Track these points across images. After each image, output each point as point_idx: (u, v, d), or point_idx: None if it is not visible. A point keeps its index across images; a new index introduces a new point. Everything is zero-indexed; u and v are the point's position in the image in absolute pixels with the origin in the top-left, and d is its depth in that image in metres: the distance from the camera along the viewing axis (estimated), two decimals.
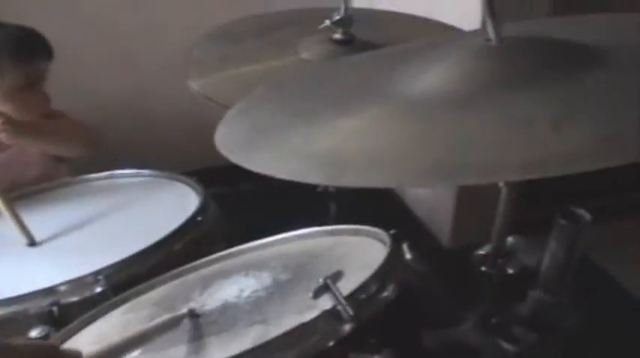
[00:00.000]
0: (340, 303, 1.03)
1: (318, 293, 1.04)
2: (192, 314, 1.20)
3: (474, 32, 1.22)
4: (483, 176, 0.80)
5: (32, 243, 1.61)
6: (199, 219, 1.57)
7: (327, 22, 1.58)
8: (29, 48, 1.88)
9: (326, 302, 1.05)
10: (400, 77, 1.04)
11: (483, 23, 0.99)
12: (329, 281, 1.03)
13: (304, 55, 1.60)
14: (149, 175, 1.80)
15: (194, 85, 1.52)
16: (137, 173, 1.81)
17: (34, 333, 1.42)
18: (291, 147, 0.97)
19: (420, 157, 0.87)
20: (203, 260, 1.45)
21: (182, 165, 1.85)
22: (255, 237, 1.47)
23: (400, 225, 1.31)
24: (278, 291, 1.22)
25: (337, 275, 1.05)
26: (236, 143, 1.05)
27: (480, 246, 1.30)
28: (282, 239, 1.44)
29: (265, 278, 1.28)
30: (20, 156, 1.93)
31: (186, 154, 2.34)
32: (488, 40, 0.99)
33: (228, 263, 1.44)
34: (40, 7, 2.39)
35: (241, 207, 1.80)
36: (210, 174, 1.73)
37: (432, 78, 1.01)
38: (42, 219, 1.71)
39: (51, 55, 1.90)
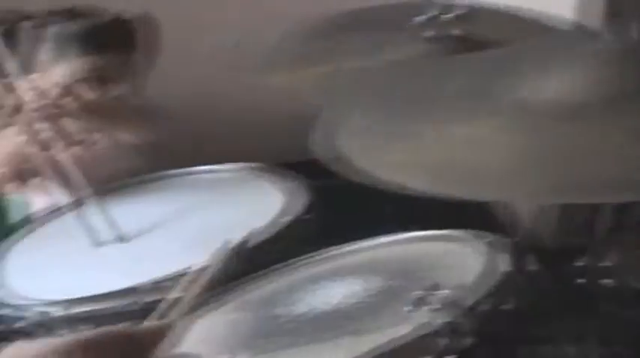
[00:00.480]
0: (439, 317, 0.98)
1: (416, 305, 0.99)
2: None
3: (590, 33, 1.16)
4: (612, 194, 0.75)
5: (121, 238, 1.59)
6: (296, 219, 1.51)
7: (421, 19, 1.51)
8: (99, 37, 1.83)
9: (422, 315, 1.01)
10: (514, 83, 0.99)
11: (604, 24, 0.94)
12: (428, 293, 0.99)
13: (395, 54, 1.54)
14: (245, 169, 1.75)
15: (280, 78, 1.49)
16: (233, 168, 1.77)
17: None
18: (397, 155, 0.93)
19: (538, 173, 0.82)
20: (289, 263, 1.42)
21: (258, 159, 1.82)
22: (338, 238, 1.44)
23: (487, 228, 1.27)
24: (369, 300, 1.18)
25: (435, 287, 1.01)
26: (331, 150, 1.01)
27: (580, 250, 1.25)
28: (371, 245, 1.40)
29: (356, 285, 1.24)
30: (99, 150, 1.90)
31: (264, 148, 2.31)
32: (615, 42, 0.93)
33: (316, 268, 1.40)
34: None
35: (325, 207, 1.77)
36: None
37: (551, 85, 0.95)
38: (135, 213, 1.69)
39: (125, 50, 1.85)
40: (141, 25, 1.90)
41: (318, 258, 1.42)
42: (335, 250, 1.43)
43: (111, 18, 1.89)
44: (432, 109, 1.05)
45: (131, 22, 1.90)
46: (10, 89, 1.86)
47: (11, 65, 1.86)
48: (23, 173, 1.83)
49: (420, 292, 1.00)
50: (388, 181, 0.90)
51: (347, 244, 1.42)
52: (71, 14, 1.87)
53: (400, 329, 1.03)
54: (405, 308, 1.01)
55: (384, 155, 0.98)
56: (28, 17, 1.89)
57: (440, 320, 0.99)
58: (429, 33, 1.55)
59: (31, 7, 1.90)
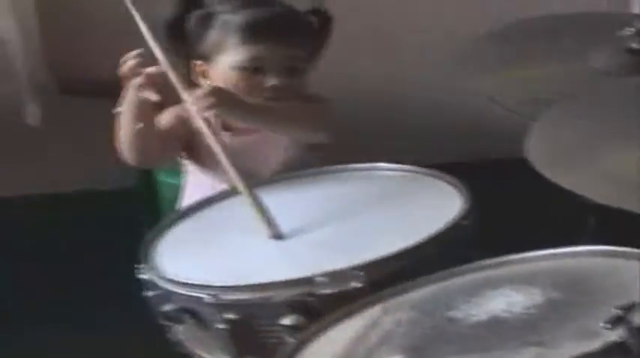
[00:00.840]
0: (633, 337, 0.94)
1: (613, 324, 0.96)
2: None
3: None
4: None
5: (278, 236, 1.59)
6: (464, 222, 1.51)
7: (629, 31, 1.47)
8: (259, 29, 1.83)
9: (611, 333, 0.98)
10: None
11: None
12: (626, 312, 0.95)
13: (595, 65, 1.50)
14: (411, 171, 1.75)
15: (472, 82, 1.47)
16: (399, 167, 1.76)
17: (286, 321, 1.42)
18: (602, 168, 0.90)
19: None
20: (465, 266, 1.39)
21: (431, 158, 1.80)
22: (507, 245, 1.41)
23: None
24: (552, 312, 1.14)
25: (632, 306, 0.97)
26: (546, 157, 0.99)
27: None
28: (551, 254, 1.36)
29: (536, 295, 1.20)
30: (264, 141, 1.89)
31: (437, 147, 2.29)
32: None
33: (492, 273, 1.37)
34: None
35: (494, 210, 1.73)
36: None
37: None
38: (294, 208, 1.70)
39: (286, 38, 1.84)
40: (320, 19, 1.91)
41: (494, 262, 1.38)
42: (511, 256, 1.39)
43: (307, 9, 1.90)
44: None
45: (326, 14, 1.90)
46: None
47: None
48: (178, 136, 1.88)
49: (618, 310, 0.97)
50: (598, 194, 0.86)
51: (525, 252, 1.38)
52: (243, 3, 1.88)
53: (585, 343, 1.00)
54: (601, 325, 0.98)
55: (590, 164, 0.94)
56: (197, 4, 1.91)
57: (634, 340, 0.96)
58: (635, 45, 1.51)
59: None
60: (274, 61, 1.82)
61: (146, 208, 2.39)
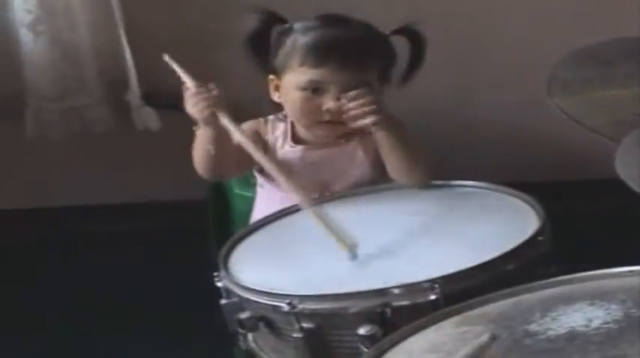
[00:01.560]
0: None
1: None
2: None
3: None
4: None
5: (353, 255, 1.59)
6: (539, 239, 1.52)
7: None
8: (319, 53, 1.83)
9: None
10: None
11: None
12: None
13: None
14: (486, 188, 1.77)
15: (555, 101, 1.48)
16: (473, 184, 1.78)
17: (362, 331, 1.44)
18: None
19: None
20: (540, 282, 1.40)
21: (504, 177, 1.81)
22: (582, 261, 1.41)
23: None
24: (632, 327, 1.15)
25: None
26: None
27: None
28: (628, 271, 1.36)
29: (615, 311, 1.21)
30: (341, 155, 1.91)
31: (513, 166, 2.31)
32: None
33: (568, 288, 1.37)
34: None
35: (570, 228, 1.74)
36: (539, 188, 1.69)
37: None
38: (369, 221, 1.73)
39: (349, 65, 1.82)
40: (411, 38, 1.91)
41: (570, 278, 1.39)
42: (587, 272, 1.40)
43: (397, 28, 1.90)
44: None
45: (417, 34, 1.90)
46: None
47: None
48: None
49: None
50: None
51: (603, 268, 1.38)
52: (320, 22, 1.89)
53: None
54: None
55: None
56: (280, 19, 1.94)
57: None
58: None
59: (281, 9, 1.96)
60: (333, 84, 1.82)
61: (217, 220, 2.42)
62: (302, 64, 1.84)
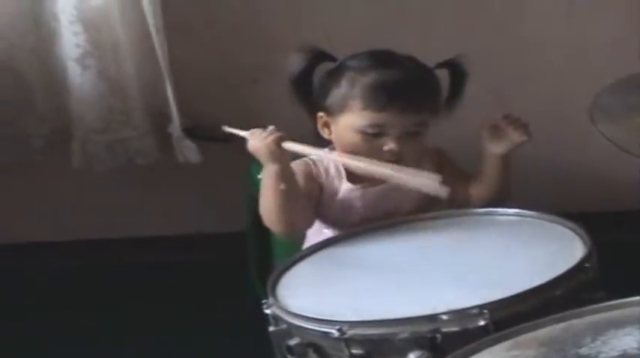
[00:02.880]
0: None
1: None
2: None
3: None
4: None
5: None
6: (586, 265, 1.54)
7: None
8: (383, 97, 1.84)
9: None
10: None
11: None
12: None
13: None
14: (530, 216, 1.79)
15: (600, 128, 1.50)
16: (518, 212, 1.81)
17: (412, 356, 1.46)
18: None
19: None
20: (590, 307, 1.42)
21: (544, 209, 1.83)
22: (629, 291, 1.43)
23: None
24: None
25: None
26: None
27: None
28: None
29: None
30: (396, 191, 1.91)
31: (558, 195, 2.32)
32: None
33: (617, 313, 1.39)
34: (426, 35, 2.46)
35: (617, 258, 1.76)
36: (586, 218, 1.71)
37: None
38: (417, 249, 1.76)
39: (411, 109, 1.85)
40: (453, 72, 1.94)
41: (619, 303, 1.40)
42: (636, 297, 1.41)
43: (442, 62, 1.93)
44: None
45: (461, 68, 1.94)
46: None
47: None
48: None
49: None
50: None
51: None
52: (374, 62, 1.90)
53: None
54: None
55: None
56: (328, 57, 1.96)
57: None
58: None
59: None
60: (396, 127, 1.85)
61: (258, 252, 2.44)
62: (364, 108, 1.85)
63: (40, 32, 2.57)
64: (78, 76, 2.54)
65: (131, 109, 2.60)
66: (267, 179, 1.83)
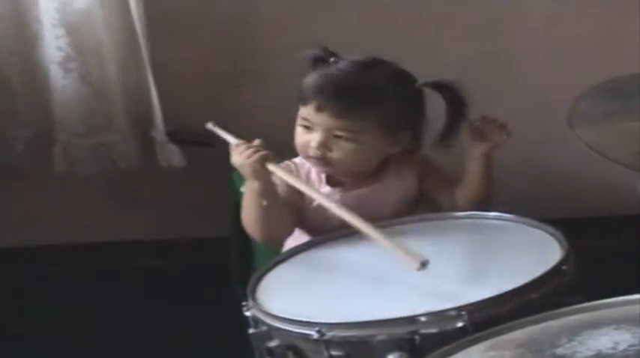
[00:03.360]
0: None
1: None
2: None
3: None
4: None
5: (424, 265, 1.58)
6: (563, 268, 1.56)
7: None
8: (310, 91, 1.87)
9: None
10: None
11: None
12: None
13: None
14: (510, 219, 1.80)
15: (578, 133, 1.52)
16: (497, 216, 1.82)
17: (391, 357, 1.47)
18: None
19: None
20: (566, 308, 1.43)
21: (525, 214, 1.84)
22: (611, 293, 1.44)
23: None
24: None
25: None
26: None
27: None
28: None
29: None
30: (377, 193, 1.94)
31: (539, 202, 2.34)
32: None
33: (593, 314, 1.40)
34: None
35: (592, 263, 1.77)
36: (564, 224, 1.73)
37: None
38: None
39: (331, 110, 1.85)
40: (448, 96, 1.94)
41: (594, 304, 1.42)
42: (611, 299, 1.43)
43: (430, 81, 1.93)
44: None
45: (454, 93, 1.93)
46: None
47: None
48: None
49: None
50: None
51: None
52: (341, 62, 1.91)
53: None
54: None
55: None
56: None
57: None
58: None
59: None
60: (320, 125, 1.86)
61: (240, 256, 2.44)
62: (299, 99, 1.90)
63: (22, 35, 2.57)
64: (60, 79, 2.54)
65: (114, 113, 2.60)
66: (250, 193, 1.85)
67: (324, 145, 1.87)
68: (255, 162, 1.80)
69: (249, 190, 1.84)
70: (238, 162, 1.83)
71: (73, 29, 2.50)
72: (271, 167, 1.81)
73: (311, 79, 1.89)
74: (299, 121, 1.90)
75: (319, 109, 1.86)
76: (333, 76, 1.88)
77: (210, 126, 2.01)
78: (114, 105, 2.59)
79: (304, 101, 1.88)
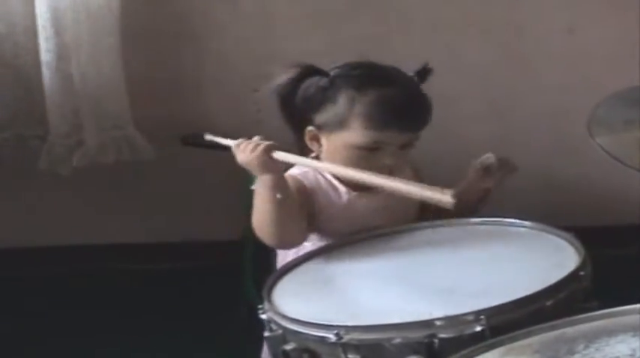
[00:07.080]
0: None
1: None
2: None
3: None
4: None
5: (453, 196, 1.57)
6: (581, 274, 1.56)
7: None
8: (385, 118, 1.84)
9: None
10: None
11: None
12: None
13: None
14: (526, 226, 1.80)
15: (599, 141, 1.52)
16: (513, 222, 1.82)
17: None
18: None
19: None
20: (583, 315, 1.43)
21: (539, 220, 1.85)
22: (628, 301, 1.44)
23: None
24: None
25: None
26: None
27: None
28: None
29: None
30: (393, 200, 1.90)
31: (555, 208, 2.34)
32: None
33: (610, 321, 1.41)
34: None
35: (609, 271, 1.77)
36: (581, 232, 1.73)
37: None
38: (415, 255, 1.77)
39: (413, 128, 1.86)
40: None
41: (611, 311, 1.42)
42: (627, 306, 1.43)
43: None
44: None
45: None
46: None
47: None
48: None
49: None
50: None
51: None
52: (367, 79, 1.88)
53: None
54: None
55: None
56: (320, 72, 1.92)
57: None
58: None
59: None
60: (395, 143, 1.85)
61: (254, 259, 2.45)
62: (366, 127, 1.83)
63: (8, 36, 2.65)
64: (47, 79, 2.60)
65: (92, 114, 2.67)
66: (262, 189, 1.80)
67: (396, 160, 1.86)
68: (261, 154, 1.77)
69: (260, 186, 1.80)
70: (244, 159, 1.80)
71: (59, 30, 2.58)
72: (278, 155, 1.78)
73: (379, 103, 1.84)
74: (366, 145, 1.84)
75: (402, 130, 1.84)
76: (406, 97, 1.86)
77: (208, 136, 2.00)
78: (91, 105, 2.67)
79: (380, 127, 1.83)
